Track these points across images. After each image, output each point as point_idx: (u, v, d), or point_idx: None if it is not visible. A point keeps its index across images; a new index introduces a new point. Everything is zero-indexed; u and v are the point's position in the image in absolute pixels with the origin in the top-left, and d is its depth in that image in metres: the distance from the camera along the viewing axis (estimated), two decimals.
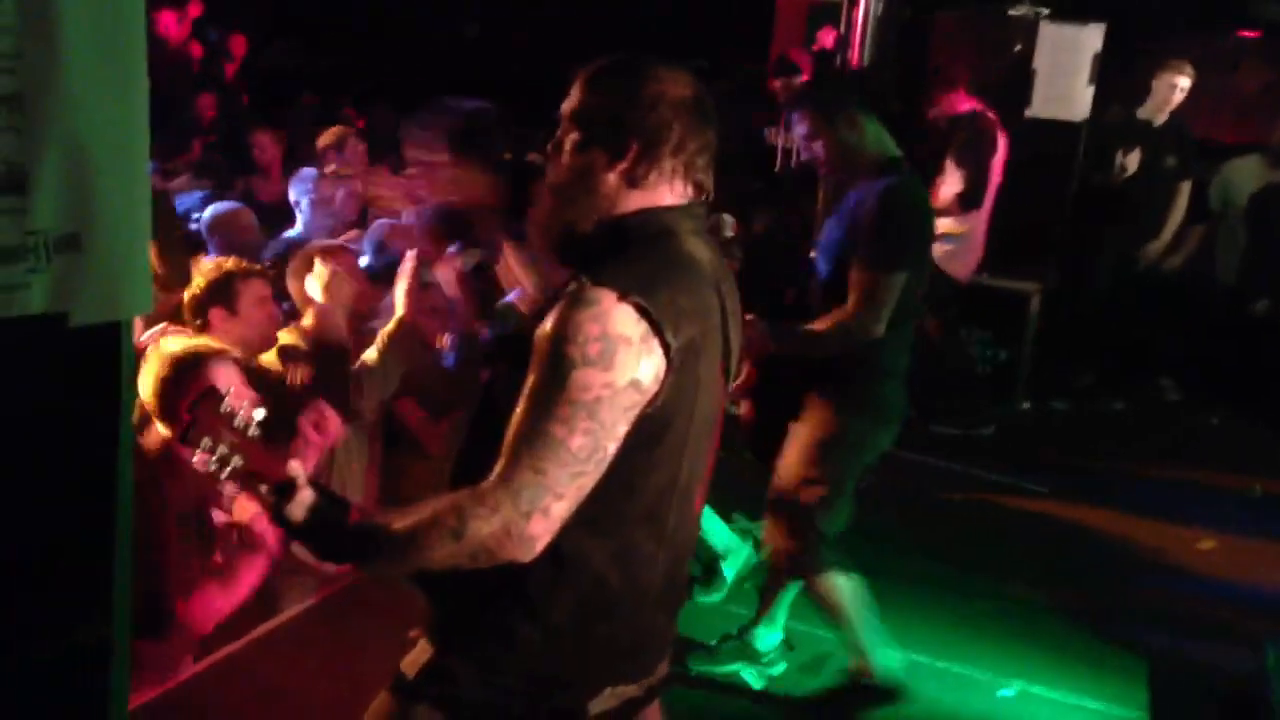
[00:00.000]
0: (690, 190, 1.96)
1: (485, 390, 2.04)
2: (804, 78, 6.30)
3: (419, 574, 1.89)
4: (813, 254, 3.64)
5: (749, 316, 3.34)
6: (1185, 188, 6.76)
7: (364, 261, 4.48)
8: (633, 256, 1.87)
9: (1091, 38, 6.54)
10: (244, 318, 3.46)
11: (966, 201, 5.51)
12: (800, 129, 3.50)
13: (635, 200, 1.92)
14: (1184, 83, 6.50)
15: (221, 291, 3.45)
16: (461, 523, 1.76)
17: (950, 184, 5.56)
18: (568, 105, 1.96)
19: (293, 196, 5.31)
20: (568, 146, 1.94)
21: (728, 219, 5.59)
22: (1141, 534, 5.18)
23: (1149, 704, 3.85)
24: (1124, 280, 6.85)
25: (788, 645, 4.03)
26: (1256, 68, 8.39)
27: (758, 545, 4.06)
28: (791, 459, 3.56)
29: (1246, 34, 8.49)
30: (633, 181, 1.91)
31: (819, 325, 3.34)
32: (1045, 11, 6.57)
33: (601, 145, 1.90)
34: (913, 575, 4.61)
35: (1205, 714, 3.74)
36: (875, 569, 4.58)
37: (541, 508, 1.75)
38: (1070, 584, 4.69)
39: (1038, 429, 6.52)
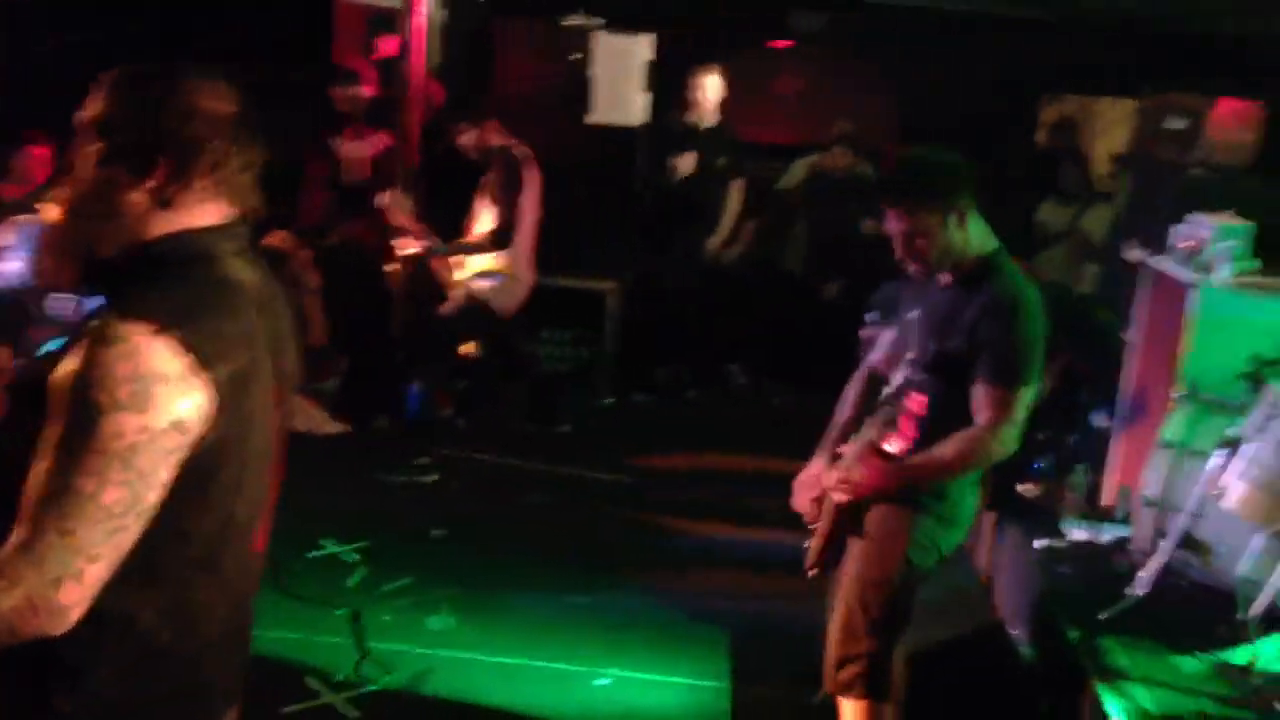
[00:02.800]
0: (231, 212, 1.81)
1: None
2: (365, 87, 6.18)
3: None
4: (887, 355, 3.36)
5: (861, 451, 3.10)
6: (737, 185, 7.26)
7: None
8: (167, 285, 1.70)
9: (642, 47, 6.88)
10: None
11: (498, 239, 5.55)
12: (899, 225, 3.07)
13: (166, 222, 1.75)
14: (714, 85, 6.94)
15: None
16: None
17: (483, 221, 5.61)
18: (87, 113, 1.75)
19: None
20: (87, 160, 1.73)
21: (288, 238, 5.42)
22: (719, 512, 5.49)
23: (731, 672, 4.08)
24: (691, 275, 7.26)
25: (385, 668, 3.93)
26: (792, 75, 9.17)
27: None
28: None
29: (781, 44, 9.28)
30: (163, 202, 1.74)
31: (948, 450, 3.02)
32: (599, 22, 6.83)
33: (126, 161, 1.71)
34: (505, 577, 4.64)
35: (778, 671, 4.00)
36: (467, 574, 4.61)
37: (73, 573, 1.56)
38: (656, 569, 4.88)
39: (621, 423, 6.77)
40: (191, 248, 1.75)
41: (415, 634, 4.17)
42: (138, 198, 1.73)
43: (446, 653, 4.07)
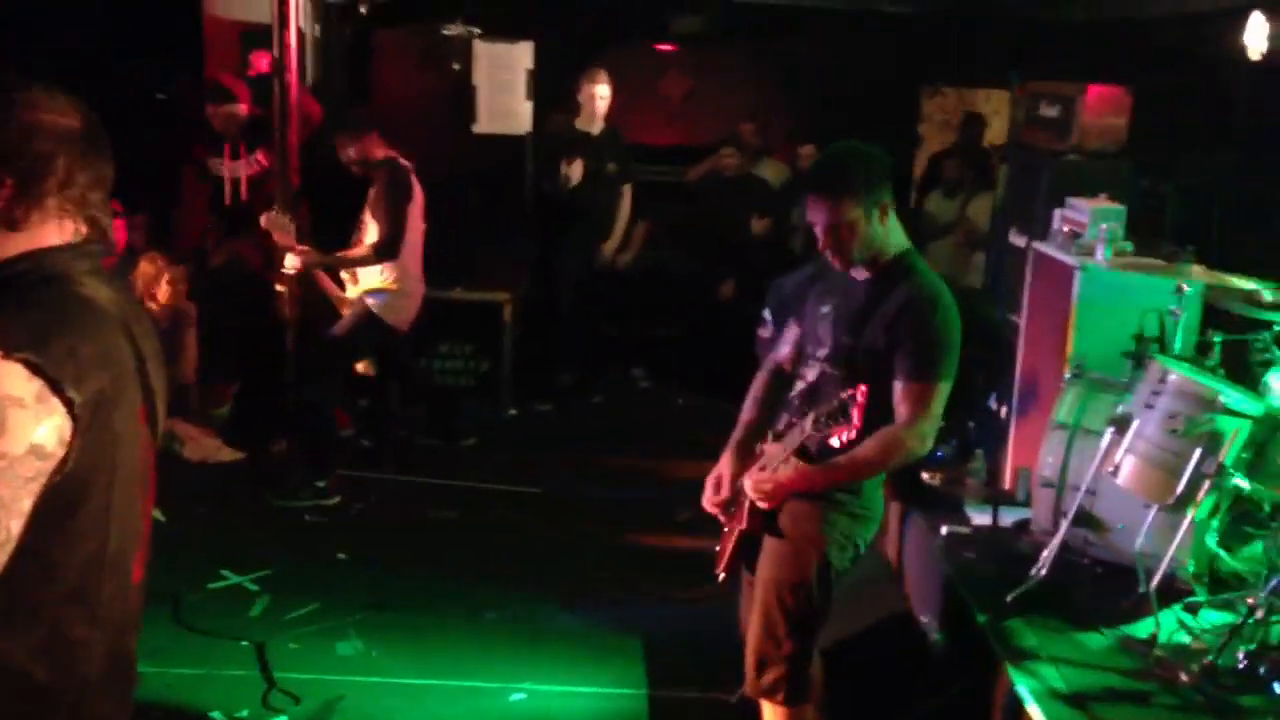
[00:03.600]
0: (84, 229, 1.74)
1: None
2: (241, 105, 6.02)
3: None
4: (791, 351, 3.30)
5: (786, 452, 3.02)
6: (627, 190, 7.26)
7: None
8: (17, 306, 1.63)
9: (523, 55, 6.83)
10: None
11: (382, 251, 5.45)
12: (819, 217, 3.04)
13: (14, 244, 1.68)
14: (604, 91, 6.94)
15: None
16: None
17: (369, 234, 5.51)
18: None
19: None
20: None
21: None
22: (629, 518, 5.48)
23: (647, 679, 4.07)
24: (586, 280, 7.24)
25: (294, 698, 3.82)
26: (677, 77, 9.22)
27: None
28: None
29: (664, 47, 9.31)
30: (10, 223, 1.67)
31: (869, 450, 2.99)
32: (478, 31, 6.76)
33: None
34: (414, 597, 4.57)
35: (694, 677, 4.00)
36: (375, 597, 4.51)
37: None
38: (569, 579, 4.84)
39: (525, 433, 6.71)
40: (43, 268, 1.70)
41: (324, 661, 4.07)
42: None
43: (357, 678, 3.99)
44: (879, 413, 3.01)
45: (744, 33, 8.80)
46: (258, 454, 5.84)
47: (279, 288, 5.72)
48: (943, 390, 3.01)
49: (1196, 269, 4.16)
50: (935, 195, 7.47)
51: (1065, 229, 4.73)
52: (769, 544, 3.19)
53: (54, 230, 1.72)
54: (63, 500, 1.62)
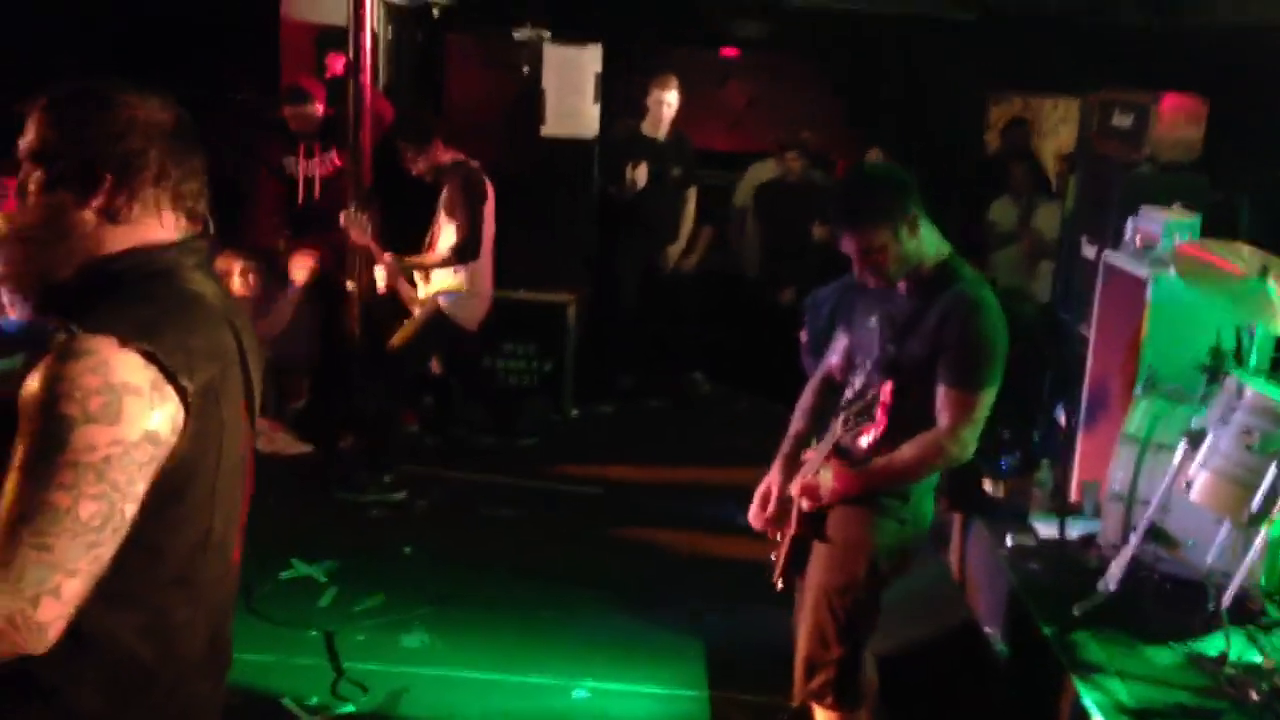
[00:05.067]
0: (184, 222, 1.81)
1: None
2: (317, 105, 6.13)
3: None
4: (840, 361, 3.33)
5: (829, 459, 3.08)
6: (692, 194, 7.29)
7: None
8: (129, 299, 1.69)
9: (591, 58, 6.88)
10: None
11: (462, 253, 5.53)
12: (851, 244, 3.07)
13: (121, 237, 1.75)
14: (672, 97, 6.98)
15: None
16: None
17: (445, 236, 5.59)
18: (25, 143, 1.75)
19: None
20: (32, 188, 1.73)
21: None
22: (688, 521, 5.50)
23: (707, 680, 4.09)
24: (650, 284, 7.28)
25: (361, 688, 3.90)
26: (741, 83, 9.24)
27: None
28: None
29: (727, 52, 9.33)
30: (113, 217, 1.74)
31: (908, 453, 3.02)
32: (548, 34, 6.83)
33: (70, 183, 1.72)
34: (477, 592, 4.63)
35: (755, 681, 4.01)
36: (439, 591, 4.58)
37: (51, 589, 1.53)
38: (629, 579, 4.87)
39: (586, 434, 6.76)
40: (153, 263, 1.76)
41: (390, 653, 4.14)
42: (87, 216, 1.73)
43: (422, 670, 4.06)
44: (921, 417, 3.04)
45: (808, 39, 8.79)
46: (326, 449, 5.94)
47: (350, 286, 5.82)
48: (985, 397, 3.02)
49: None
50: (999, 203, 7.41)
51: (1138, 240, 4.68)
52: (817, 549, 3.22)
53: (157, 224, 1.78)
54: (171, 487, 1.68)
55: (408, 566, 4.88)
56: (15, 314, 4.75)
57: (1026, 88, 8.63)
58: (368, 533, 5.19)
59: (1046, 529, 4.33)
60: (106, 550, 1.59)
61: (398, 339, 5.64)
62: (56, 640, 1.57)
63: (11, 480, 1.57)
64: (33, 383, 1.60)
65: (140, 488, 1.62)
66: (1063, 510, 4.42)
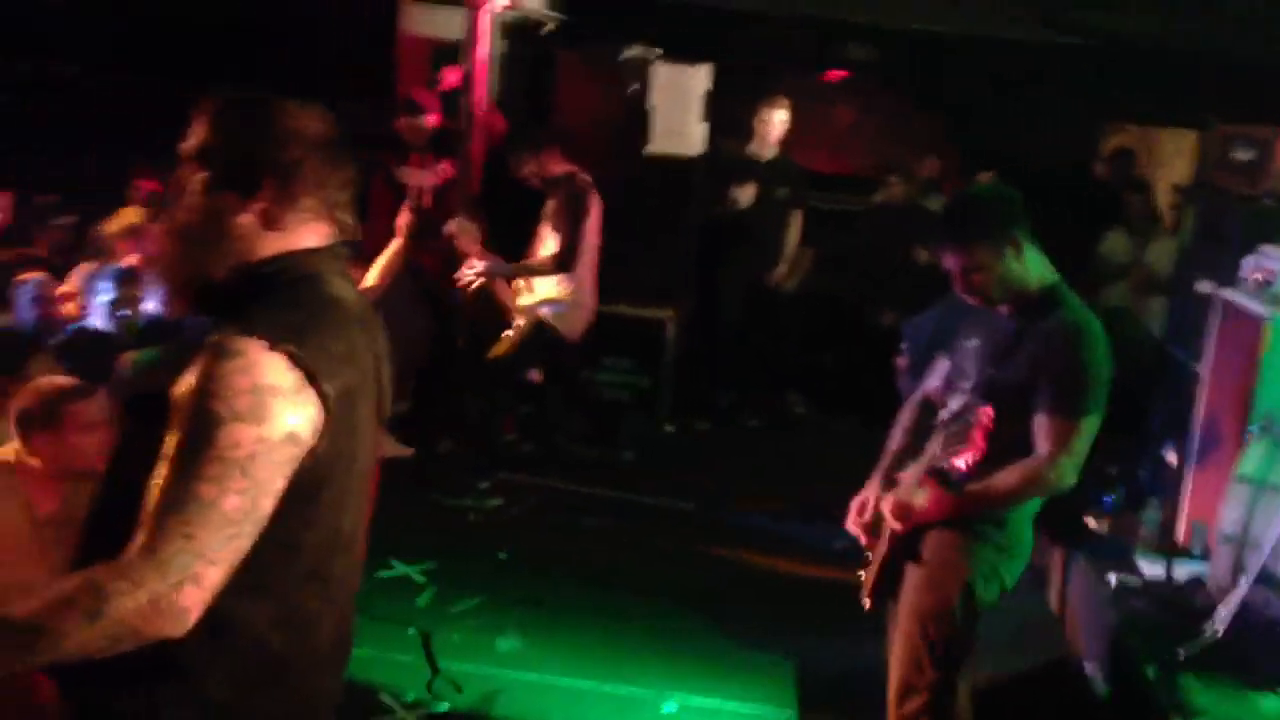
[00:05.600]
0: (332, 229, 1.88)
1: (116, 452, 1.85)
2: (430, 117, 6.27)
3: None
4: (940, 384, 3.31)
5: (924, 479, 3.08)
6: (797, 216, 7.29)
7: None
8: (278, 303, 1.77)
9: (700, 78, 6.92)
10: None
11: (561, 264, 5.60)
12: (954, 261, 3.06)
13: (274, 243, 1.83)
14: (781, 118, 7.00)
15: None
16: (99, 601, 1.57)
17: (547, 246, 5.67)
18: (191, 143, 1.83)
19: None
20: (194, 188, 1.81)
21: None
22: (781, 541, 5.48)
23: (798, 701, 4.07)
24: (750, 303, 7.29)
25: (456, 687, 3.96)
26: (848, 105, 9.21)
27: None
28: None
29: (837, 74, 9.31)
30: (270, 223, 1.82)
31: (1006, 478, 2.99)
32: (658, 52, 6.89)
33: (233, 185, 1.80)
34: (570, 600, 4.67)
35: (846, 703, 3.98)
36: (533, 597, 4.63)
37: (193, 576, 1.61)
38: (720, 595, 4.88)
39: (681, 450, 6.78)
40: (300, 268, 1.83)
41: (484, 654, 4.21)
42: (246, 220, 1.81)
43: (515, 674, 4.11)
44: (1019, 443, 3.00)
45: (918, 63, 8.74)
46: (426, 452, 6.05)
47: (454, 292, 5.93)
48: (1087, 426, 2.97)
49: None
50: (1112, 236, 7.27)
51: (1255, 277, 4.56)
52: (911, 572, 3.19)
53: (307, 232, 1.85)
54: (309, 485, 1.74)
55: (503, 571, 4.95)
56: (151, 305, 4.98)
57: (1142, 118, 8.47)
58: (464, 536, 5.27)
59: (1152, 568, 4.23)
60: (245, 542, 1.66)
61: (500, 349, 5.74)
62: (194, 627, 1.64)
63: (162, 470, 1.65)
64: (188, 378, 1.67)
65: (279, 485, 1.69)
66: (1170, 549, 4.32)
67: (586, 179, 5.74)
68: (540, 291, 5.76)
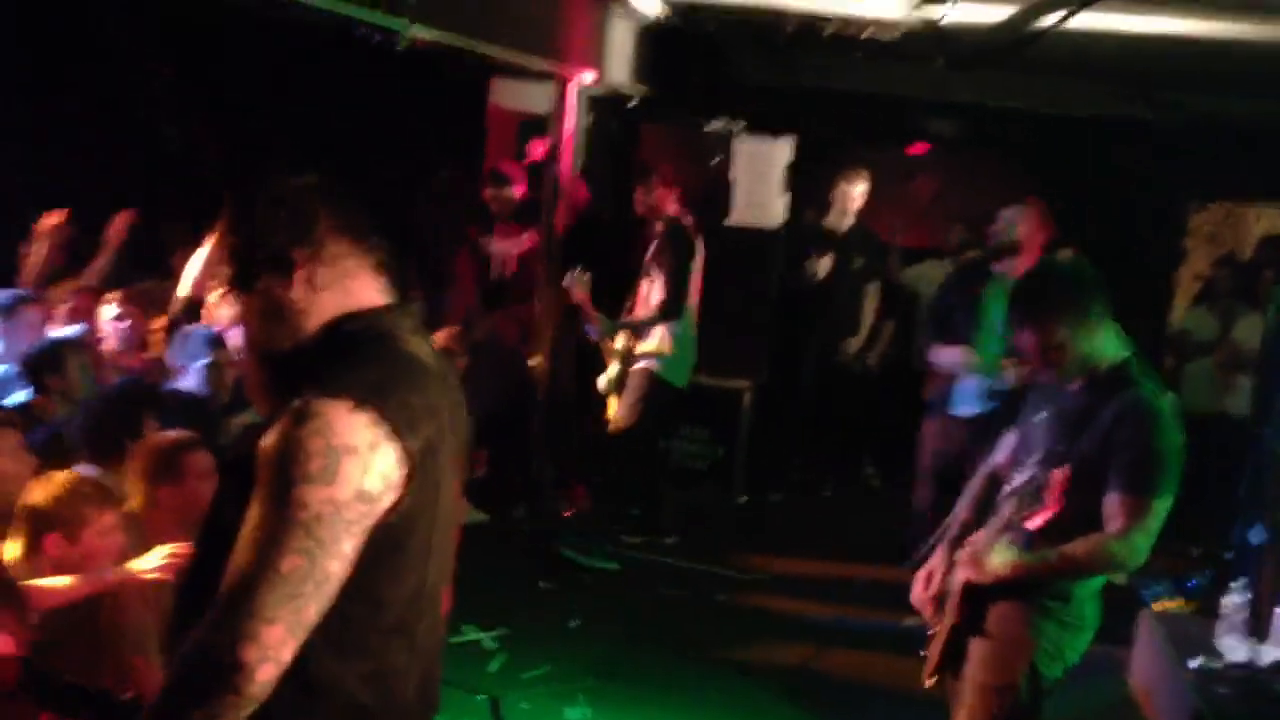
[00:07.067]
0: (387, 284, 1.93)
1: (209, 512, 1.92)
2: (516, 188, 6.42)
3: None
4: (1008, 458, 3.27)
5: (992, 539, 3.08)
6: (874, 287, 7.29)
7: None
8: (357, 361, 1.82)
9: (782, 150, 7.01)
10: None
11: (667, 311, 5.68)
12: (1030, 339, 3.06)
13: (331, 301, 1.88)
14: (860, 189, 7.04)
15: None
16: (184, 670, 1.68)
17: (655, 292, 5.75)
18: (220, 256, 1.95)
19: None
20: (241, 287, 1.90)
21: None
22: (853, 617, 5.42)
23: None
24: (828, 375, 7.28)
25: None
26: (927, 178, 9.21)
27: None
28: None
29: (917, 147, 9.34)
30: (317, 285, 1.87)
31: (1077, 548, 2.96)
32: (741, 125, 7.00)
33: (267, 270, 1.87)
34: (640, 670, 4.67)
35: None
36: (603, 665, 4.64)
37: (248, 635, 1.65)
38: (791, 667, 4.84)
39: (755, 521, 6.76)
40: (375, 327, 1.88)
41: None
42: (296, 293, 1.87)
43: None
44: (1088, 517, 2.97)
45: (998, 137, 8.73)
46: (501, 517, 6.12)
47: (533, 361, 6.04)
48: (1159, 506, 2.94)
49: None
50: (1195, 311, 7.16)
51: None
52: (975, 646, 3.15)
53: (363, 287, 1.90)
54: (393, 539, 1.78)
55: (574, 639, 4.97)
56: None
57: (1228, 194, 8.34)
58: (536, 603, 5.30)
59: (1235, 652, 4.12)
60: (309, 602, 1.69)
61: (621, 419, 5.80)
62: (286, 688, 1.69)
63: (244, 528, 1.72)
64: (269, 439, 1.74)
65: (347, 545, 1.72)
66: (1256, 634, 4.20)
67: (690, 223, 5.86)
68: (644, 345, 5.84)
